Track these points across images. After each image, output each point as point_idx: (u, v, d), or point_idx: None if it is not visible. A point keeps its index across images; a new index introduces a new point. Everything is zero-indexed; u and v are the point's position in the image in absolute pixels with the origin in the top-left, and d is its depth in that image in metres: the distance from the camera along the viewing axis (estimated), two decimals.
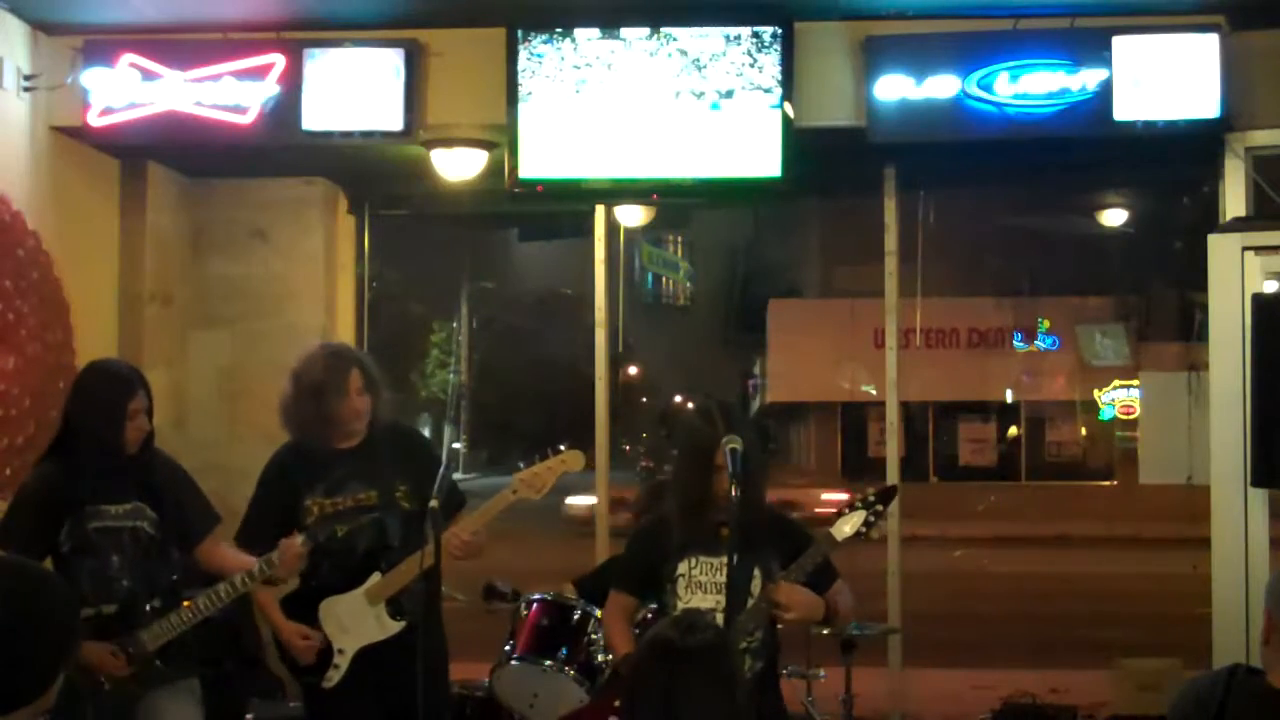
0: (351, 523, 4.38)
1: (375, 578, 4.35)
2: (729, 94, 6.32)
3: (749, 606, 3.90)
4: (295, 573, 4.30)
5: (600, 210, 7.47)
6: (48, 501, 4.28)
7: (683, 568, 4.01)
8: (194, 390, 7.45)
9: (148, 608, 4.24)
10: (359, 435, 4.51)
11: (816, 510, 14.84)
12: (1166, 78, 6.10)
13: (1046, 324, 23.45)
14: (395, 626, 4.34)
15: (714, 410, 4.04)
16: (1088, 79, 6.14)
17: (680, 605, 3.96)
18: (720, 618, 3.80)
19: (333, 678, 4.38)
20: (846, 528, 3.93)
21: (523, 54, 6.36)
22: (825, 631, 6.00)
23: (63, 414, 4.44)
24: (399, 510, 4.41)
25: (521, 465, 4.38)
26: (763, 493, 4.07)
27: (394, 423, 4.64)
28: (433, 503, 4.04)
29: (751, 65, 6.30)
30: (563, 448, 4.38)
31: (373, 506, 4.41)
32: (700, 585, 3.98)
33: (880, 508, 3.96)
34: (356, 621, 4.36)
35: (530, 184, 6.48)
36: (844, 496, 4.24)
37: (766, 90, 6.28)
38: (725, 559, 3.91)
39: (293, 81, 6.36)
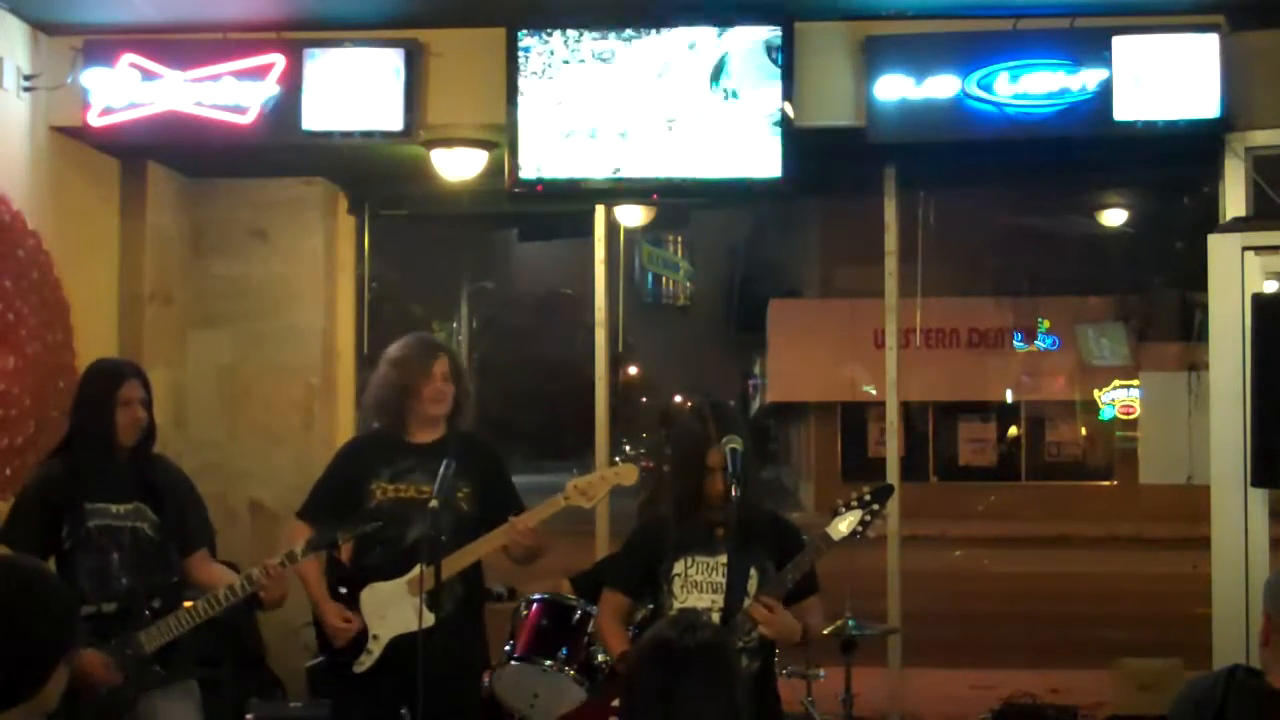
0: (357, 529, 4.38)
1: (418, 569, 4.36)
2: (729, 94, 6.32)
3: (744, 606, 3.90)
4: (284, 590, 4.32)
5: (600, 210, 7.47)
6: (50, 500, 4.29)
7: (678, 567, 4.01)
8: (194, 390, 7.44)
9: (147, 608, 4.24)
10: (436, 433, 4.55)
11: None
12: (1166, 78, 6.10)
13: (1046, 324, 23.45)
14: (431, 620, 4.35)
15: (707, 411, 4.04)
16: (1088, 79, 6.14)
17: (676, 605, 3.96)
18: (716, 617, 3.81)
19: (364, 662, 4.41)
20: (842, 526, 3.92)
21: (522, 54, 6.35)
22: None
23: (67, 415, 4.47)
24: (456, 509, 4.40)
25: (575, 471, 4.44)
26: (759, 492, 4.08)
27: (472, 433, 4.69)
28: (432, 503, 4.05)
29: (752, 65, 6.30)
30: (618, 460, 4.44)
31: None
32: (696, 585, 3.99)
33: (877, 506, 3.95)
34: (395, 610, 4.39)
35: (530, 184, 6.48)
36: None
37: (767, 90, 6.28)
38: (721, 559, 3.92)
39: (293, 81, 6.36)
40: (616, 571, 4.31)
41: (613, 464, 4.47)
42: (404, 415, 4.55)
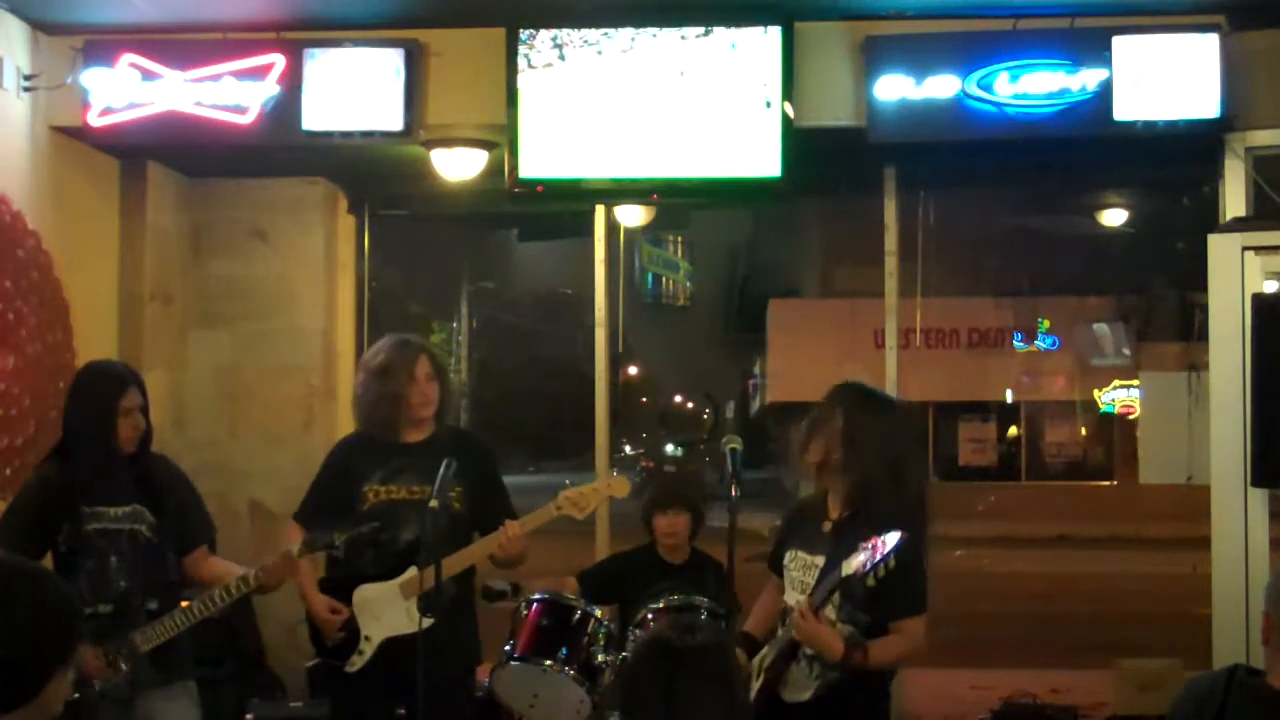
0: (352, 530, 4.38)
1: (412, 571, 4.36)
2: (729, 94, 6.32)
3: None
4: (282, 577, 4.33)
5: (600, 210, 7.46)
6: (46, 503, 4.29)
7: (788, 558, 4.01)
8: (194, 390, 7.44)
9: (145, 609, 4.25)
10: (426, 431, 4.58)
11: None
12: (1166, 78, 6.10)
13: (1046, 324, 23.44)
14: (425, 622, 4.36)
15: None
16: (1088, 79, 6.14)
17: (785, 600, 3.96)
18: None
19: (356, 662, 4.45)
20: (854, 563, 3.72)
21: (522, 54, 6.36)
22: None
23: (62, 416, 4.46)
24: (448, 509, 4.38)
25: (569, 482, 4.48)
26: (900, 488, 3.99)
27: (462, 429, 4.72)
28: (432, 503, 4.05)
29: (752, 65, 6.30)
30: (614, 472, 4.52)
31: (425, 501, 4.44)
32: (794, 582, 3.97)
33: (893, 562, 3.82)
34: (388, 611, 4.42)
35: (530, 184, 6.48)
36: None
37: (766, 90, 6.28)
38: (818, 559, 3.88)
39: (293, 81, 6.36)
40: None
41: (610, 473, 4.52)
42: (394, 421, 4.56)
